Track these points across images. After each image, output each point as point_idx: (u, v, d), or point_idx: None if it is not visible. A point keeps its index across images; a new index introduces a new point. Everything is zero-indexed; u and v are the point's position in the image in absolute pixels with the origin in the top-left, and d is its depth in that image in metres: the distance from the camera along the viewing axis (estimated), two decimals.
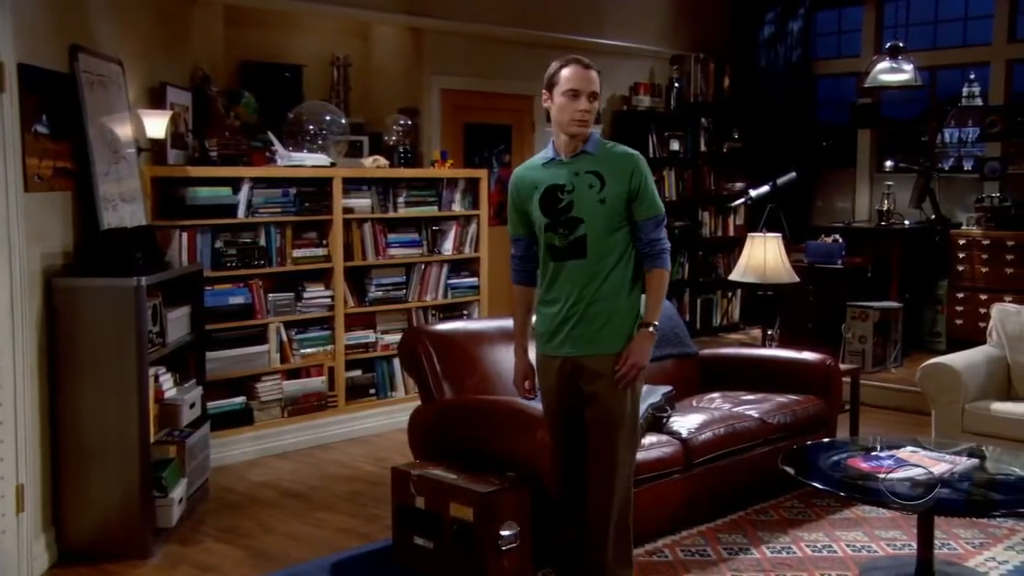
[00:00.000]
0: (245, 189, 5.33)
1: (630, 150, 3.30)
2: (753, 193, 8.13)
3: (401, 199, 6.18)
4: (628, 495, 3.32)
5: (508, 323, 4.82)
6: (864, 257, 7.71)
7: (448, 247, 6.44)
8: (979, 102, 8.18)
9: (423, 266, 6.30)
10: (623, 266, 3.22)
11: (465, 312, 6.56)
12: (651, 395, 4.46)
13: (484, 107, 7.50)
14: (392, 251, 6.15)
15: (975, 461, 3.77)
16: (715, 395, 5.00)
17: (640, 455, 4.04)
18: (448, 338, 4.55)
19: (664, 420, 4.40)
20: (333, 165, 5.85)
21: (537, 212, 3.24)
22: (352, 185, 5.91)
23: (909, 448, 3.92)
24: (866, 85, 7.47)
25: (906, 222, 8.03)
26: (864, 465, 3.73)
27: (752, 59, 9.17)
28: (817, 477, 3.66)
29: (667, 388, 4.60)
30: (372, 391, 6.08)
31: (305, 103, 6.09)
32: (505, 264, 7.62)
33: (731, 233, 9.03)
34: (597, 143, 3.27)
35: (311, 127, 5.92)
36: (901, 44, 7.31)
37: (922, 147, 8.56)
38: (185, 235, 5.08)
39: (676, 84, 8.65)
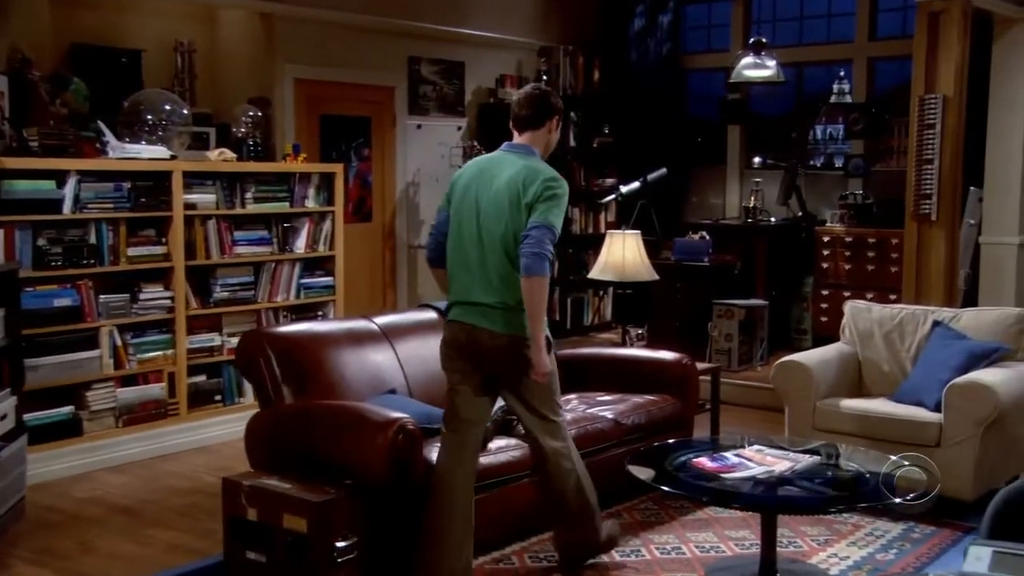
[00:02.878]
0: (71, 183, 5.13)
1: None
2: (624, 189, 8.24)
3: (249, 194, 6.06)
4: None
5: (355, 324, 4.83)
6: (732, 254, 7.92)
7: (301, 245, 6.35)
8: (849, 99, 8.49)
9: (273, 265, 6.20)
10: None
11: (320, 313, 6.47)
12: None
13: (341, 98, 7.42)
14: (239, 249, 6.02)
15: (817, 458, 3.91)
16: (572, 396, 5.03)
17: (488, 459, 4.08)
18: (290, 340, 4.47)
19: (514, 423, 4.42)
20: (173, 158, 5.69)
21: None
22: (194, 179, 5.76)
23: (756, 447, 4.03)
24: (731, 80, 7.67)
25: (772, 219, 8.29)
26: (709, 465, 3.82)
27: (622, 52, 9.32)
28: (662, 478, 3.73)
29: None
30: (218, 397, 5.94)
31: (142, 91, 5.91)
32: (362, 262, 7.61)
33: (602, 230, 9.12)
34: None
35: (149, 117, 5.74)
36: (764, 40, 7.54)
37: (791, 144, 8.85)
38: (1, 232, 4.85)
39: (544, 77, 8.71)
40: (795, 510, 3.78)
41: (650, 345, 7.49)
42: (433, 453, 3.98)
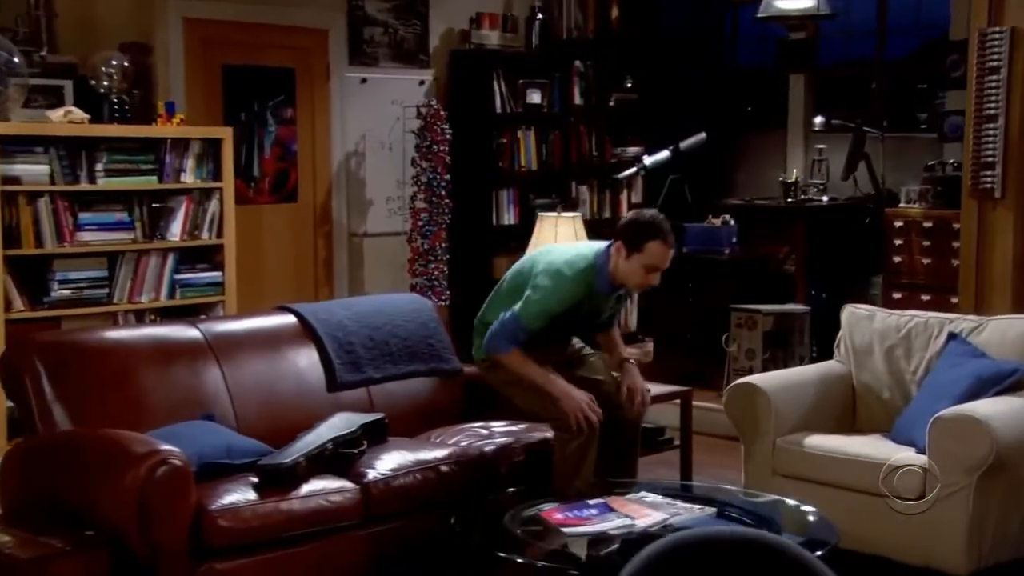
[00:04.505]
0: None
1: None
2: (649, 160, 8.15)
3: (100, 166, 6.09)
4: None
5: (171, 331, 4.83)
6: (772, 244, 7.71)
7: (176, 231, 6.36)
8: None
9: (136, 256, 6.23)
10: None
11: (203, 316, 6.48)
12: (343, 425, 4.45)
13: (252, 44, 7.47)
14: (85, 236, 6.04)
15: (710, 510, 3.76)
16: (469, 425, 5.00)
17: (300, 505, 4.05)
18: (71, 351, 4.48)
19: (354, 457, 4.37)
20: None
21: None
22: (18, 146, 5.80)
23: (641, 493, 3.94)
24: (759, 15, 7.45)
25: (824, 199, 8.02)
26: (556, 517, 3.72)
27: None
28: (489, 533, 3.64)
29: (374, 416, 4.61)
30: None
31: None
32: (285, 253, 7.61)
33: (622, 212, 8.97)
34: None
35: None
36: None
37: (870, 97, 8.62)
38: None
39: (540, 15, 8.62)
40: None
41: (655, 364, 7.32)
42: (225, 497, 3.96)
